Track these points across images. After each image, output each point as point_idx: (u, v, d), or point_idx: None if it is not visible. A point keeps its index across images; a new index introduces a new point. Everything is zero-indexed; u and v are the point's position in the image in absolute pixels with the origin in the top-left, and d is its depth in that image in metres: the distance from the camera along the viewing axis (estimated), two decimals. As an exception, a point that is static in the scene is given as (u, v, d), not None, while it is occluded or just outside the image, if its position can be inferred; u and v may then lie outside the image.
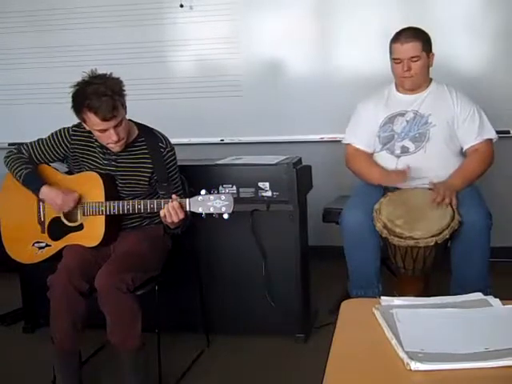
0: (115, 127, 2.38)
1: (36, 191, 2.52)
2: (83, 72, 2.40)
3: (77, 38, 4.08)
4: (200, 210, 2.35)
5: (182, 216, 2.36)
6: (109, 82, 2.37)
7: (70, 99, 2.39)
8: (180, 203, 2.36)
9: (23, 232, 2.60)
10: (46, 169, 2.62)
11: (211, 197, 2.33)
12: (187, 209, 2.37)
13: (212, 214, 2.33)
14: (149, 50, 4.02)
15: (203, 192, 2.35)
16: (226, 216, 2.32)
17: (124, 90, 2.41)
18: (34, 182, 2.53)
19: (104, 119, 2.34)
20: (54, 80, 4.03)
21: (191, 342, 2.93)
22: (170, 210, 2.35)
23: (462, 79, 3.57)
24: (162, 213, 2.39)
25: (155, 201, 2.43)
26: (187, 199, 2.38)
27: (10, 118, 4.27)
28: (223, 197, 2.32)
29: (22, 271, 3.11)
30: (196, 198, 2.36)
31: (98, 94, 2.31)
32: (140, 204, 2.44)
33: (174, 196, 2.39)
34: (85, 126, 2.46)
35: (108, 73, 2.40)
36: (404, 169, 2.82)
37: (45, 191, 2.50)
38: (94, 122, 2.36)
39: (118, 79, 2.41)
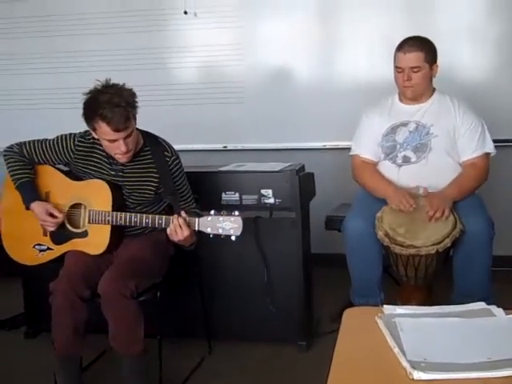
0: (125, 138, 2.37)
1: (26, 204, 2.52)
2: (96, 80, 2.38)
3: (80, 44, 4.10)
4: (209, 231, 2.34)
5: (186, 233, 2.35)
6: (123, 92, 2.35)
7: (82, 106, 2.38)
8: (187, 221, 2.36)
9: (24, 233, 2.59)
10: (52, 173, 2.59)
11: (221, 218, 2.32)
12: (196, 228, 2.36)
13: (220, 235, 2.33)
14: (153, 56, 4.04)
15: (213, 212, 2.34)
16: (233, 238, 2.32)
17: (137, 102, 2.40)
18: (27, 193, 2.53)
19: (116, 130, 2.33)
20: (57, 86, 4.08)
21: (193, 348, 2.93)
22: (176, 228, 2.35)
23: (465, 88, 3.58)
24: (168, 230, 2.39)
25: (164, 217, 2.42)
26: (196, 219, 2.36)
27: (10, 122, 4.25)
28: (233, 219, 2.31)
29: (25, 276, 3.11)
30: (205, 218, 2.35)
31: (112, 104, 2.30)
32: (148, 218, 2.43)
33: (183, 213, 2.38)
34: (93, 134, 2.45)
35: (121, 83, 2.38)
36: (413, 188, 2.81)
37: (34, 207, 2.51)
38: (105, 131, 2.35)
39: (131, 90, 2.39)
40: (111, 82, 2.39)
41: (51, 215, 2.50)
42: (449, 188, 2.81)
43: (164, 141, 2.62)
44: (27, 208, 2.53)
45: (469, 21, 3.73)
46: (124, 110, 2.31)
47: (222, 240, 2.38)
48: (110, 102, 2.30)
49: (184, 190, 2.61)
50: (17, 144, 2.60)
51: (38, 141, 2.59)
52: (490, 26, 3.72)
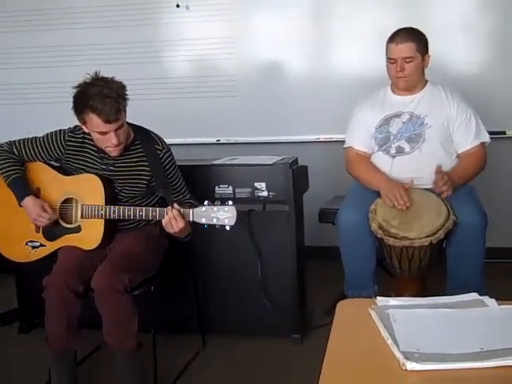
0: (116, 130, 2.36)
1: (19, 199, 2.50)
2: (87, 74, 2.37)
3: (72, 37, 4.08)
4: (203, 221, 2.34)
5: (181, 225, 2.35)
6: (113, 84, 2.35)
7: (72, 100, 2.37)
8: (182, 212, 2.35)
9: (16, 230, 2.57)
10: (43, 169, 2.58)
11: (214, 208, 2.32)
12: (190, 219, 2.36)
13: (215, 225, 2.33)
14: (145, 49, 4.03)
15: (206, 203, 2.34)
16: (227, 228, 2.33)
17: (127, 94, 2.39)
18: (20, 188, 2.51)
19: (107, 121, 2.31)
20: (51, 80, 4.05)
21: (187, 342, 2.93)
22: (171, 220, 2.35)
23: (458, 80, 3.59)
24: (163, 221, 2.38)
25: (157, 209, 2.41)
26: (191, 210, 2.36)
27: (5, 117, 4.24)
28: (226, 208, 2.32)
29: (18, 271, 3.10)
30: (199, 208, 2.35)
31: (103, 95, 2.29)
32: (142, 211, 2.42)
33: (175, 205, 2.38)
34: (83, 128, 2.43)
35: (111, 77, 2.37)
36: (406, 183, 2.79)
37: (27, 202, 2.48)
38: (95, 123, 2.34)
39: (121, 83, 2.38)
40: (100, 74, 2.38)
41: (45, 211, 2.49)
42: (451, 174, 2.81)
43: (155, 134, 2.61)
44: (19, 203, 2.51)
45: (462, 14, 3.73)
46: (115, 102, 2.30)
47: (215, 233, 2.40)
48: (100, 94, 2.29)
49: (177, 182, 2.61)
50: (6, 143, 2.58)
51: (28, 139, 2.57)
52: (483, 20, 3.72)
